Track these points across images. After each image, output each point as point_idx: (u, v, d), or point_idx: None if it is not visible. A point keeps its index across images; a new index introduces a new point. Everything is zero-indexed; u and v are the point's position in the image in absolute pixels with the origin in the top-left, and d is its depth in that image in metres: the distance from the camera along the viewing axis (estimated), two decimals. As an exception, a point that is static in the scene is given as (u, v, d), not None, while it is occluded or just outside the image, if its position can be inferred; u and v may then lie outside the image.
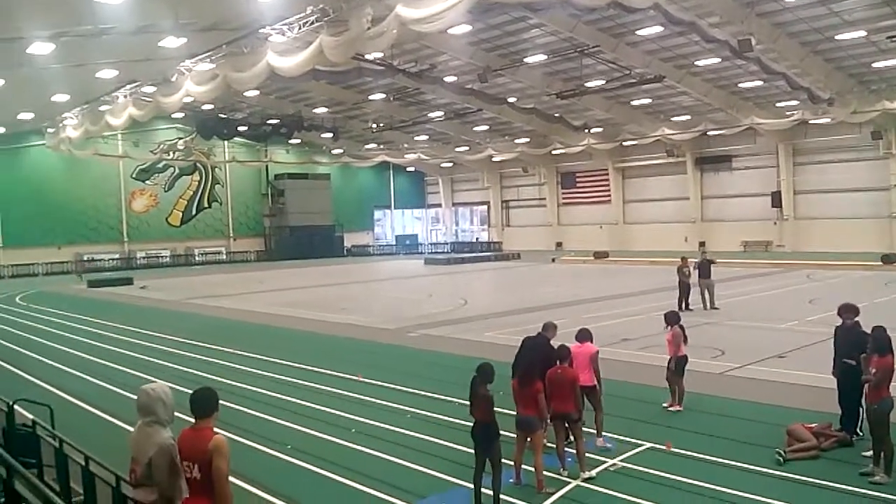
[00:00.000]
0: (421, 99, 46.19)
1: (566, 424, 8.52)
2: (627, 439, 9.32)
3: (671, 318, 11.28)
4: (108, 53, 26.72)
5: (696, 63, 36.53)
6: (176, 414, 5.34)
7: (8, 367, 16.56)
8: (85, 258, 51.67)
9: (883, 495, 7.59)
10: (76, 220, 52.44)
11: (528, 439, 8.07)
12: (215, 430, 5.06)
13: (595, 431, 9.36)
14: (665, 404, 11.08)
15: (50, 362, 16.99)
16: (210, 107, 45.19)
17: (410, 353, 16.94)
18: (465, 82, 39.62)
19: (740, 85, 39.99)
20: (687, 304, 21.54)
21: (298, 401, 12.14)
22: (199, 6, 22.87)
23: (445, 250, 64.35)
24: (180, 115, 47.32)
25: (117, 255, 54.17)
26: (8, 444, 7.27)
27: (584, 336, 9.71)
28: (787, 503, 7.42)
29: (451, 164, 67.10)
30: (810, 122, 42.60)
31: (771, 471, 8.37)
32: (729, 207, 50.97)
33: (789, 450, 8.76)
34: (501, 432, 7.63)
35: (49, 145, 46.07)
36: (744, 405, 11.23)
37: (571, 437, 8.64)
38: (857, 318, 9.47)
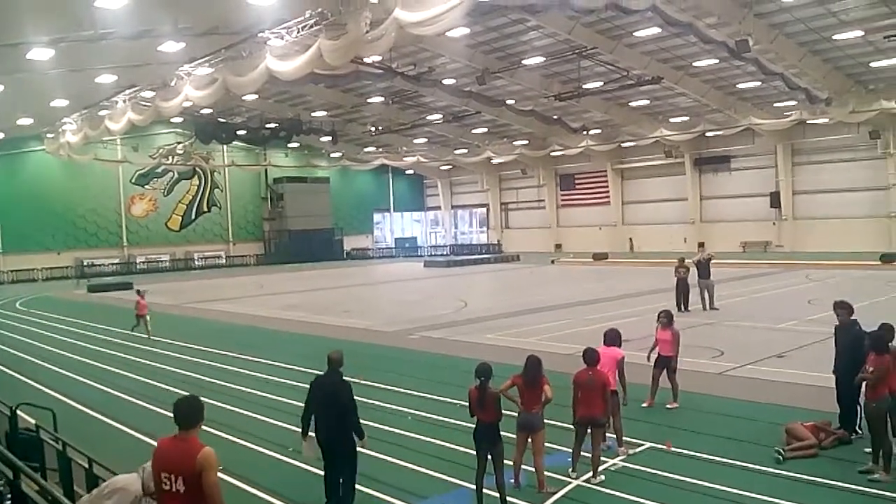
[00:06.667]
0: (419, 102, 46.23)
1: (588, 429, 8.41)
2: (628, 439, 9.35)
3: (666, 318, 11.31)
4: (107, 58, 26.80)
5: (694, 64, 36.59)
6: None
7: (9, 372, 16.58)
8: (85, 263, 51.72)
9: (882, 493, 7.64)
10: (76, 225, 52.54)
11: (530, 440, 8.04)
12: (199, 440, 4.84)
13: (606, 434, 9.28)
14: (644, 404, 11.13)
15: (51, 367, 17.02)
16: (209, 111, 45.26)
17: (410, 355, 16.97)
18: (464, 85, 39.70)
19: (738, 85, 40.04)
20: (686, 305, 21.58)
21: (299, 403, 12.13)
22: (198, 11, 22.92)
23: (445, 253, 64.45)
24: (179, 119, 47.46)
25: (117, 260, 54.16)
26: (11, 448, 7.30)
27: (612, 339, 9.62)
28: (787, 501, 7.46)
29: (450, 167, 67.17)
30: (808, 122, 42.72)
31: (770, 469, 8.41)
32: (728, 208, 51.03)
33: (788, 449, 8.80)
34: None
35: (48, 150, 46.13)
36: (743, 405, 11.27)
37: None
38: (853, 317, 9.52)
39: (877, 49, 33.07)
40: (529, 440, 8.03)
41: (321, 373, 7.93)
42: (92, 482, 6.20)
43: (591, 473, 8.30)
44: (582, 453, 8.47)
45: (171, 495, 4.65)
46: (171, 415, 4.93)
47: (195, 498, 4.62)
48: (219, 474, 7.88)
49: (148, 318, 20.85)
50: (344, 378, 7.72)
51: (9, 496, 5.29)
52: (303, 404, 7.87)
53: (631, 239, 55.44)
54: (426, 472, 8.80)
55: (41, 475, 7.08)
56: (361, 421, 7.72)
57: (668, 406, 11.12)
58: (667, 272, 25.54)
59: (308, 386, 7.90)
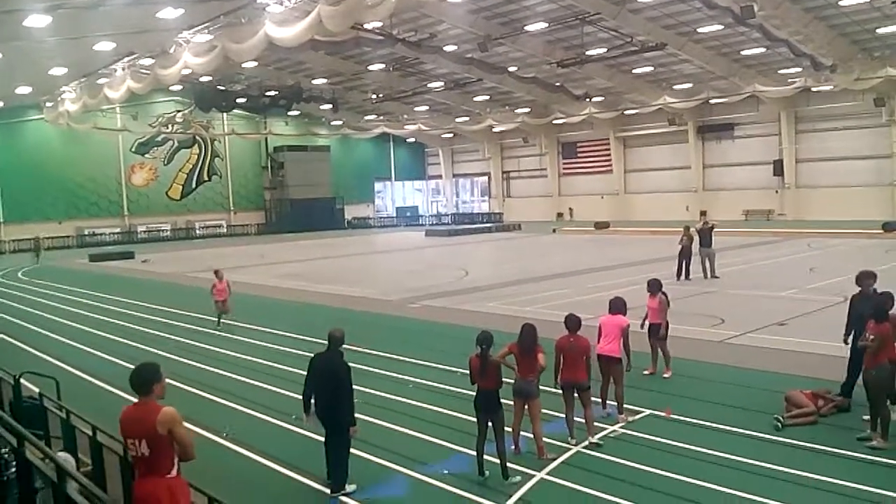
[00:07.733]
0: (421, 69, 45.85)
1: (576, 393, 8.54)
2: (628, 406, 9.40)
3: (654, 286, 11.35)
4: (105, 25, 26.50)
5: (699, 30, 36.15)
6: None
7: (13, 341, 16.66)
8: (86, 232, 51.77)
9: (880, 459, 7.70)
10: (76, 194, 52.47)
11: (526, 407, 8.09)
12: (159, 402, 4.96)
13: (608, 401, 9.48)
14: (646, 371, 11.24)
15: (54, 336, 17.10)
16: (208, 79, 44.92)
17: (412, 324, 17.03)
18: (466, 51, 39.32)
19: (743, 52, 39.62)
20: (687, 274, 21.59)
21: (300, 371, 12.21)
22: (196, -24, 22.66)
23: (446, 222, 64.38)
24: (178, 87, 47.15)
25: (118, 229, 54.24)
26: (15, 417, 7.35)
27: (617, 307, 9.62)
28: (786, 468, 7.52)
29: (451, 135, 66.79)
30: (813, 89, 42.31)
31: (769, 436, 8.47)
32: (730, 176, 50.76)
33: (788, 416, 8.85)
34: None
35: (48, 119, 45.95)
36: (743, 372, 11.32)
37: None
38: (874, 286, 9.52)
39: (883, 15, 32.64)
40: (526, 407, 8.10)
41: (322, 342, 7.92)
42: (96, 449, 6.25)
43: (594, 437, 8.40)
44: (577, 419, 8.52)
45: (138, 460, 4.83)
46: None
47: (160, 459, 4.78)
48: (224, 442, 7.99)
49: (228, 304, 17.12)
50: (343, 357, 7.64)
51: (13, 463, 5.33)
52: (304, 372, 7.89)
53: (571, 208, 57.49)
54: (427, 438, 8.88)
55: (45, 443, 7.14)
56: (363, 389, 7.76)
57: (664, 375, 11.16)
58: (668, 241, 25.55)
59: (310, 355, 7.92)
